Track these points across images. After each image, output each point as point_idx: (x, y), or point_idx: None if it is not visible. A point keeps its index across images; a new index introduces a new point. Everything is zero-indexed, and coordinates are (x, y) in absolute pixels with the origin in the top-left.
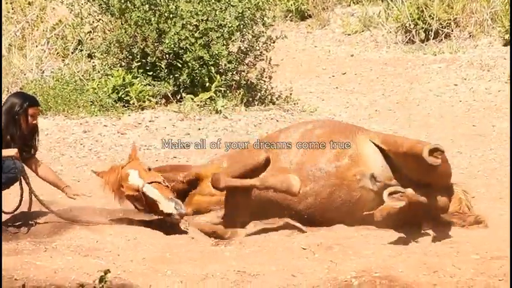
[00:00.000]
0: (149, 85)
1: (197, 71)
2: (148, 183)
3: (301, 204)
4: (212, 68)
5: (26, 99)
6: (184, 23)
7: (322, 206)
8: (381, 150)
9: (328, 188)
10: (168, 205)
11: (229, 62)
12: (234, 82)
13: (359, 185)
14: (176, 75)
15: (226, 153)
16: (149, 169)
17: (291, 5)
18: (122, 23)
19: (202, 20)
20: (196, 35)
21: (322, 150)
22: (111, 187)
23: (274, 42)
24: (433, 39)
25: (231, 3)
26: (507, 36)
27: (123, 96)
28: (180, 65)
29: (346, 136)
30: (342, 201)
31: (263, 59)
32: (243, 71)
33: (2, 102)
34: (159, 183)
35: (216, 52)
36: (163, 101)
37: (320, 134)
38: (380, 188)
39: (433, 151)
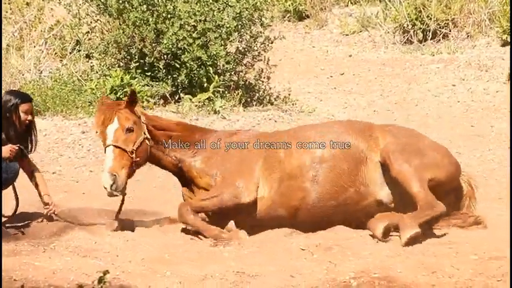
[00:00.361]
0: (147, 85)
1: (195, 71)
2: (114, 145)
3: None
4: (210, 68)
5: (17, 96)
6: (182, 23)
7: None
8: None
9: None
10: (105, 178)
11: (227, 62)
12: (232, 82)
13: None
14: (174, 76)
15: (227, 156)
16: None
17: (289, 6)
18: (120, 24)
19: (200, 20)
20: (194, 35)
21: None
22: (96, 128)
23: (272, 43)
24: (431, 39)
25: (229, 4)
26: (505, 37)
27: (121, 96)
28: (178, 66)
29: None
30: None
31: (261, 60)
32: (241, 72)
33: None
34: (124, 151)
35: (214, 52)
36: (162, 101)
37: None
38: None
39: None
